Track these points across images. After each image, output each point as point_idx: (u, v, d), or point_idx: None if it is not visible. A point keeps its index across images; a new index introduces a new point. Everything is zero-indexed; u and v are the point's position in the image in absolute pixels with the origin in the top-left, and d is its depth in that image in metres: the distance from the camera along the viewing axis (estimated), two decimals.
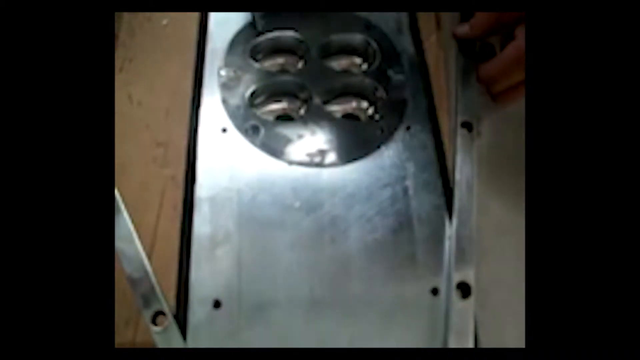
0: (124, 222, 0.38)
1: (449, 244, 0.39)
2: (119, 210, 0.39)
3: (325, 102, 0.45)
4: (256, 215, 0.39)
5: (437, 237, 0.39)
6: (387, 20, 0.49)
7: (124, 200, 0.40)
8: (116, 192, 0.40)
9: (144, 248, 0.38)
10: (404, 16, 0.49)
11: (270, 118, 0.44)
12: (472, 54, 0.46)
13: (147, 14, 0.54)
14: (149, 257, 0.38)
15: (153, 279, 0.36)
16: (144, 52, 0.50)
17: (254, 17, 0.47)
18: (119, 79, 0.49)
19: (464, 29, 0.45)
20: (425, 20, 0.50)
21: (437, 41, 0.50)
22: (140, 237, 0.38)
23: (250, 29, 0.47)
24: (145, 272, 0.36)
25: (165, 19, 0.53)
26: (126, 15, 0.53)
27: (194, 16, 0.50)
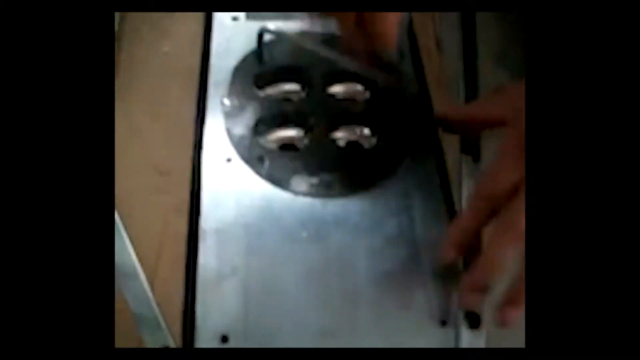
0: (128, 256, 0.38)
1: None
2: (123, 242, 0.38)
3: (329, 130, 0.45)
4: (263, 248, 0.38)
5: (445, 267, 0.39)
6: None
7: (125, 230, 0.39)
8: (120, 223, 0.39)
9: (147, 278, 0.38)
10: (404, 41, 0.49)
11: (274, 147, 0.44)
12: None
13: (148, 41, 0.54)
14: (151, 289, 0.37)
15: (159, 314, 0.36)
16: (145, 80, 0.50)
17: (259, 45, 0.47)
18: (119, 106, 0.48)
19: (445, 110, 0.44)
20: (426, 44, 0.51)
21: (439, 65, 0.50)
22: (142, 267, 0.38)
23: (253, 56, 0.47)
24: (151, 308, 0.36)
25: (166, 46, 0.53)
26: (126, 43, 0.53)
27: (196, 43, 0.50)
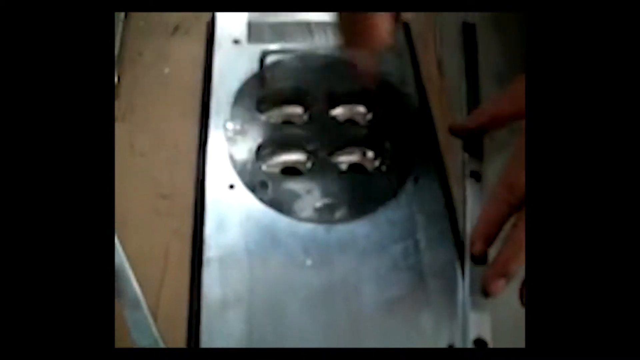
0: (131, 286, 0.37)
1: (462, 298, 0.38)
2: (126, 272, 0.38)
3: (332, 153, 0.45)
4: (267, 274, 0.38)
5: (451, 291, 0.38)
6: (391, 69, 0.49)
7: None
8: (122, 251, 0.39)
9: (149, 305, 0.37)
10: (407, 66, 0.49)
11: (277, 171, 0.44)
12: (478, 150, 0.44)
13: (148, 62, 0.54)
14: (154, 316, 0.37)
15: (162, 344, 0.35)
16: (146, 102, 0.50)
17: (261, 68, 0.47)
18: (121, 128, 0.48)
19: (462, 124, 0.45)
20: (427, 66, 0.51)
21: (440, 86, 0.50)
22: (145, 292, 0.37)
23: (255, 80, 0.47)
24: (155, 340, 0.35)
25: (166, 67, 0.53)
26: (127, 64, 0.53)
27: (197, 65, 0.50)
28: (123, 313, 0.36)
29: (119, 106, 0.50)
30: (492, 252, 0.39)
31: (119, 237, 0.39)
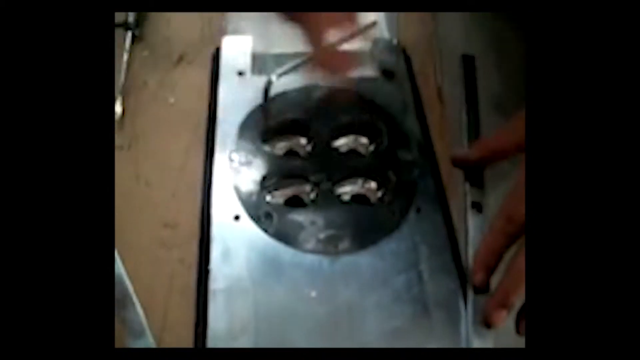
0: (136, 316, 0.38)
1: (465, 329, 0.38)
2: (131, 301, 0.38)
3: (335, 184, 0.45)
4: (272, 306, 0.38)
5: (454, 322, 0.39)
6: (392, 100, 0.50)
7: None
8: (127, 280, 0.39)
9: (155, 334, 0.37)
10: (409, 97, 0.50)
11: (281, 202, 0.44)
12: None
13: (153, 92, 0.54)
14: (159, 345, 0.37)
15: None
16: (151, 131, 0.51)
17: (265, 100, 0.48)
18: (126, 157, 0.49)
19: (464, 156, 0.46)
20: (428, 95, 0.52)
21: (441, 115, 0.51)
22: (150, 322, 0.38)
23: (259, 111, 0.48)
24: None
25: (171, 97, 0.54)
26: (132, 93, 0.54)
27: (202, 95, 0.51)
28: (127, 343, 0.36)
29: (124, 135, 0.50)
30: (495, 280, 0.39)
31: (123, 267, 0.39)
